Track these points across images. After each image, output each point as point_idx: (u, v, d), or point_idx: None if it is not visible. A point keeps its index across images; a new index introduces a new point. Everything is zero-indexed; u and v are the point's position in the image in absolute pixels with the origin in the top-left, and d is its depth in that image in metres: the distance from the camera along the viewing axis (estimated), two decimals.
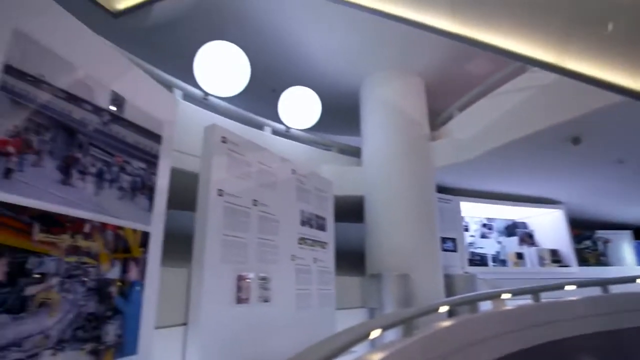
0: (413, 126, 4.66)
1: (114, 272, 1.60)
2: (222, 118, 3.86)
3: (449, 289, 4.27)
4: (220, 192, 2.32)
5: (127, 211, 1.71)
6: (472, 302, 3.32)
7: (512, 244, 6.26)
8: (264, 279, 2.52)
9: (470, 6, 2.75)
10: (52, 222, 1.35)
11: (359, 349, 2.11)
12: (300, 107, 4.59)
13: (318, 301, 3.03)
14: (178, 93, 3.60)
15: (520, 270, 5.83)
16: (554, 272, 5.76)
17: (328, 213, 3.50)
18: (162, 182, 1.96)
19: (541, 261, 5.95)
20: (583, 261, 6.30)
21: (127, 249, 1.69)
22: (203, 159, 2.38)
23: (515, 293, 3.59)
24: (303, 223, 3.08)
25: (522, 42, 2.70)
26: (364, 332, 2.08)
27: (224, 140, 2.45)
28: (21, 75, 1.29)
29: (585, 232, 6.87)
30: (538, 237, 6.41)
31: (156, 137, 1.95)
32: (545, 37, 2.63)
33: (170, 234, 2.04)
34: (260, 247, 2.55)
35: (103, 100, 1.64)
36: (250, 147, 2.67)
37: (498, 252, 6.20)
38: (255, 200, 2.58)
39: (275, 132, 4.53)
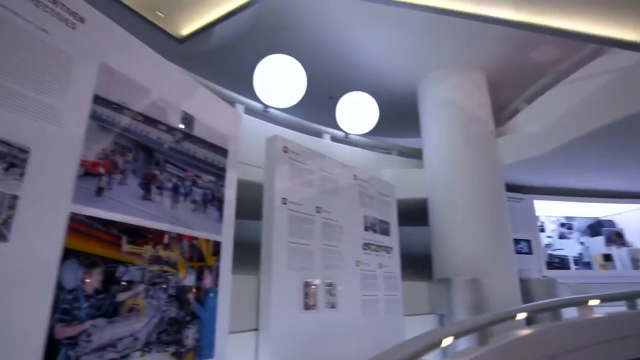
0: (477, 123, 4.45)
1: (190, 280, 1.71)
2: (282, 128, 3.98)
3: (526, 295, 3.99)
4: (284, 201, 2.39)
5: (200, 222, 1.83)
6: (555, 309, 3.06)
7: (597, 245, 5.69)
8: (329, 285, 2.54)
9: None
10: (137, 235, 1.48)
11: (430, 357, 2.04)
12: (357, 112, 4.59)
13: (385, 307, 2.99)
14: (240, 107, 3.78)
15: (608, 273, 5.28)
16: None
17: (392, 217, 3.45)
18: (230, 194, 2.06)
19: (634, 263, 5.33)
20: None
21: (202, 257, 1.80)
22: (266, 169, 2.47)
23: (605, 299, 3.25)
24: (367, 228, 3.06)
25: (597, 21, 2.47)
26: (435, 340, 2.01)
27: (286, 150, 2.52)
28: (107, 103, 1.45)
29: None
30: (629, 236, 5.76)
31: (223, 151, 2.06)
32: (625, 13, 2.38)
33: (239, 243, 2.13)
34: (325, 253, 2.58)
35: (175, 120, 1.77)
36: (311, 155, 2.72)
37: (581, 254, 5.68)
38: (318, 207, 2.62)
39: (334, 139, 4.58)
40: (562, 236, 5.78)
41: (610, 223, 5.91)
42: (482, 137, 4.42)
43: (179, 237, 1.69)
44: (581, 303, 3.19)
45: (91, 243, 1.31)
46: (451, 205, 4.18)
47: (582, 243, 5.78)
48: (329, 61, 4.73)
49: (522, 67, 4.64)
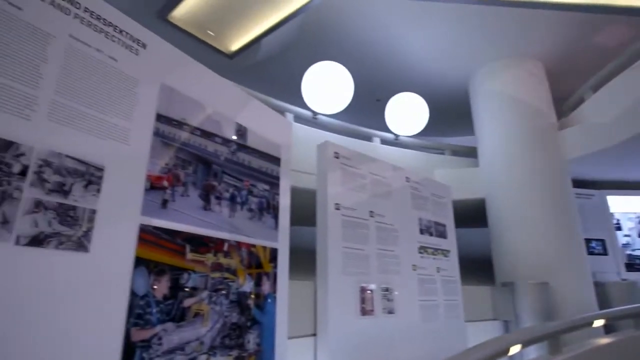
0: (536, 116, 4.19)
1: (249, 286, 1.77)
2: (332, 134, 4.01)
3: (602, 299, 3.66)
4: (337, 206, 2.40)
5: (257, 230, 1.89)
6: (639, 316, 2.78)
7: None
8: (386, 290, 2.50)
9: None
10: (199, 243, 1.56)
11: None
12: (407, 113, 4.51)
13: (445, 312, 2.89)
14: (290, 116, 3.86)
15: None
16: None
17: (448, 219, 3.33)
18: (284, 201, 2.11)
19: None
20: None
21: (259, 264, 1.85)
22: (318, 175, 2.49)
23: None
24: (422, 231, 2.99)
25: None
26: (501, 347, 1.91)
27: (337, 156, 2.53)
28: (168, 120, 1.54)
29: None
30: None
31: (276, 160, 2.11)
32: None
33: (294, 249, 2.17)
34: (381, 258, 2.55)
35: (229, 132, 1.85)
36: (362, 159, 2.71)
37: None
38: (371, 211, 2.60)
39: (384, 142, 4.53)
40: None
41: None
42: (543, 131, 4.15)
43: (238, 245, 1.75)
44: None
45: (159, 252, 1.40)
46: (511, 205, 3.96)
47: None
48: (375, 63, 4.69)
49: (584, 52, 4.31)
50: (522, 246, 3.77)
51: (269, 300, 1.87)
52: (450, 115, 5.35)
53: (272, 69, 4.85)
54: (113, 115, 1.32)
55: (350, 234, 2.41)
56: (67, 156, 1.17)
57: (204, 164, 1.68)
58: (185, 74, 1.67)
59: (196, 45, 4.00)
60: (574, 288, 3.56)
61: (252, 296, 1.77)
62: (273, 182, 2.07)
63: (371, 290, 2.40)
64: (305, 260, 2.44)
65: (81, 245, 1.15)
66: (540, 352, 2.32)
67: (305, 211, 2.62)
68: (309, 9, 3.82)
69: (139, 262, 1.31)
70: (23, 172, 1.07)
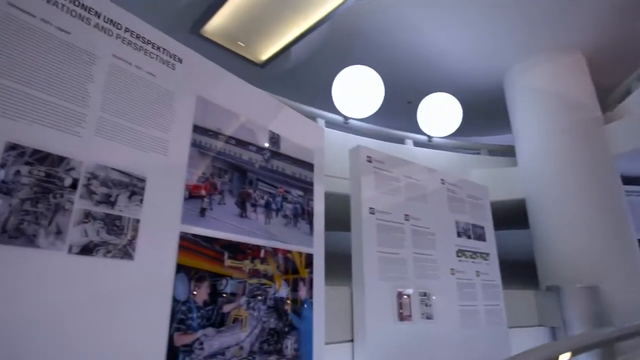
0: (578, 110, 4.00)
1: (286, 292, 1.79)
2: (364, 138, 4.00)
3: None
4: (372, 211, 2.38)
5: (292, 236, 1.90)
6: None
7: None
8: (424, 295, 2.45)
9: None
10: (237, 250, 1.60)
11: None
12: (440, 114, 4.43)
13: (486, 318, 2.79)
14: (321, 122, 3.88)
15: None
16: None
17: (486, 221, 3.23)
18: (319, 207, 2.12)
19: None
20: None
21: (295, 270, 1.87)
22: (352, 180, 2.49)
23: None
24: (459, 234, 2.91)
25: None
26: (550, 355, 1.81)
27: (370, 160, 2.52)
28: (204, 131, 1.59)
29: None
30: None
31: (309, 166, 2.13)
32: None
33: (329, 255, 2.17)
34: (417, 262, 2.50)
35: (263, 140, 1.88)
36: (396, 163, 2.68)
37: None
38: (406, 215, 2.56)
39: (417, 144, 4.46)
40: None
41: None
42: (586, 126, 3.95)
43: (274, 251, 1.77)
44: None
45: (198, 259, 1.44)
46: (554, 204, 3.79)
47: None
48: (405, 65, 4.64)
49: (629, 41, 4.07)
50: (568, 247, 3.59)
51: (306, 306, 1.88)
52: (485, 113, 5.20)
53: (302, 75, 4.91)
54: (153, 128, 1.37)
55: (386, 238, 2.39)
56: (113, 169, 1.23)
57: (240, 172, 1.72)
58: (219, 85, 1.72)
59: (228, 56, 4.11)
60: (627, 291, 3.34)
61: (289, 302, 1.79)
62: (307, 188, 2.09)
63: (408, 295, 2.36)
64: (341, 265, 2.44)
65: (126, 253, 1.21)
66: None
67: (339, 216, 2.62)
68: (336, 15, 3.84)
69: (179, 268, 1.36)
70: (74, 185, 1.13)
